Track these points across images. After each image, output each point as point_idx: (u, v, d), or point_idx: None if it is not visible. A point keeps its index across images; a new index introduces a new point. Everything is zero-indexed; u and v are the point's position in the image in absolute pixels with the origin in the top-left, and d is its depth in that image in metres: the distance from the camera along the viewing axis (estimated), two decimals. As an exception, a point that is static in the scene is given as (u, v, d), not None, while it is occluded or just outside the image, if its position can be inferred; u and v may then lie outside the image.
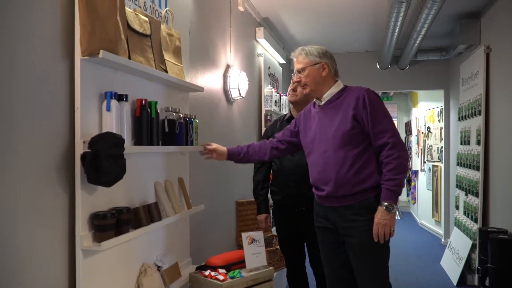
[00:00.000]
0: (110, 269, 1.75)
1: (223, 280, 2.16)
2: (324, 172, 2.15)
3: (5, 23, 1.31)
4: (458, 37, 4.53)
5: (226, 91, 3.34)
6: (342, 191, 2.10)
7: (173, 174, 2.32)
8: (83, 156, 1.50)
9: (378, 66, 5.95)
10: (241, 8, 3.58)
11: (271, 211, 3.02)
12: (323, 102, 2.22)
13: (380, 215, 2.03)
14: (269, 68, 4.70)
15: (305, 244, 2.85)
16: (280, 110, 4.76)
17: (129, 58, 1.77)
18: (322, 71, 2.19)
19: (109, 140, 1.53)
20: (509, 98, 3.57)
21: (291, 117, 2.79)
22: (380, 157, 2.09)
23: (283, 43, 5.53)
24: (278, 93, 4.73)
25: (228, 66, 3.39)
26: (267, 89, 4.43)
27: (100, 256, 1.66)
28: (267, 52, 4.67)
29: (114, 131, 1.64)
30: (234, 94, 3.40)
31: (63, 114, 1.55)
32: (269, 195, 2.92)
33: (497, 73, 3.90)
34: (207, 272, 2.24)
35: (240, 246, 3.53)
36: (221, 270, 2.24)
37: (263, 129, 4.32)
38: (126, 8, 1.78)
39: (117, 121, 1.68)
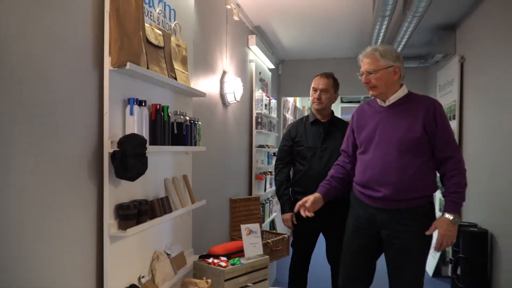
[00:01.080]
0: (130, 254, 1.98)
1: (225, 267, 2.40)
2: (383, 174, 2.16)
3: (48, 38, 1.53)
4: (436, 47, 4.88)
5: (222, 96, 3.59)
6: (401, 196, 2.12)
7: (179, 171, 2.56)
8: (113, 155, 1.73)
9: (361, 72, 6.26)
10: (235, 18, 3.82)
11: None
12: (387, 104, 2.24)
13: (446, 226, 2.08)
14: (260, 73, 4.96)
15: (315, 241, 3.07)
16: (269, 113, 5.02)
17: (147, 68, 2.01)
18: (394, 75, 2.19)
19: (135, 141, 1.76)
20: (481, 105, 3.91)
21: (315, 121, 2.96)
22: (443, 169, 2.15)
23: (272, 49, 5.80)
24: (268, 97, 5.00)
25: (224, 72, 3.64)
26: (258, 93, 4.69)
27: (122, 242, 1.89)
28: (258, 58, 4.93)
29: (136, 133, 1.87)
30: (230, 98, 3.65)
31: (94, 118, 1.77)
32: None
33: (470, 82, 4.24)
34: (210, 260, 2.48)
35: (233, 240, 3.78)
36: (222, 258, 2.49)
37: (254, 131, 4.58)
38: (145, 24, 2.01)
39: (138, 124, 1.91)
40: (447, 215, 2.10)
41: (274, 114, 5.38)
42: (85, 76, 1.72)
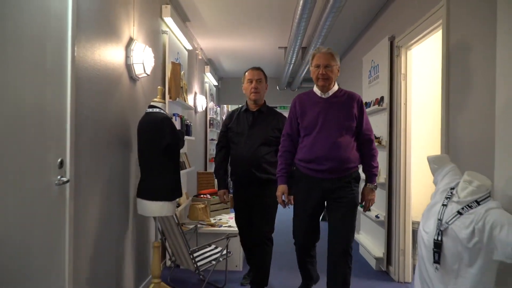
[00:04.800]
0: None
1: (209, 198, 4.68)
2: (328, 151, 2.60)
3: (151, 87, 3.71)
4: (324, 76, 7.51)
5: (195, 106, 5.82)
6: (341, 167, 2.61)
7: (183, 150, 4.76)
8: (173, 138, 3.93)
9: (278, 88, 8.80)
10: (200, 57, 6.07)
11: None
12: (327, 95, 2.71)
13: (370, 193, 2.72)
14: (210, 90, 7.23)
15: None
16: (216, 117, 7.31)
17: (180, 98, 4.21)
18: (337, 72, 2.73)
19: (182, 132, 3.97)
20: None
21: (247, 109, 3.28)
22: (365, 149, 2.70)
23: (215, 71, 8.08)
24: (216, 106, 7.28)
25: (195, 93, 5.87)
26: (210, 104, 6.96)
27: (171, 179, 4.09)
28: (209, 80, 7.19)
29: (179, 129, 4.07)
30: (199, 109, 5.89)
31: (161, 122, 3.95)
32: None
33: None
34: (201, 196, 4.74)
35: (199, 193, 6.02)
36: (208, 196, 4.76)
37: (208, 130, 6.83)
38: (177, 77, 4.22)
39: (178, 125, 4.12)
40: (369, 185, 2.74)
41: (218, 117, 7.68)
42: (159, 103, 3.89)
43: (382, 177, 4.08)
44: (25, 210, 1.76)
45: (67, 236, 2.09)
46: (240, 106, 3.44)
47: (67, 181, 2.05)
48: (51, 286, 1.98)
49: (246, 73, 3.28)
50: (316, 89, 2.78)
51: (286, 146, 2.88)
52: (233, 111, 3.42)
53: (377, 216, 4.09)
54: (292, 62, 6.41)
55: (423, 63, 3.80)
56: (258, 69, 3.30)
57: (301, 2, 3.87)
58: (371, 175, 2.76)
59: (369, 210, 3.22)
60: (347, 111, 2.67)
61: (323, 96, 2.73)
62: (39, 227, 1.87)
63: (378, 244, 4.23)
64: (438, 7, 2.87)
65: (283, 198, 2.86)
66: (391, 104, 3.95)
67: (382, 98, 4.10)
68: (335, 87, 2.77)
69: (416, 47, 3.68)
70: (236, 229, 3.64)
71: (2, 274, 1.62)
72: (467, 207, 1.86)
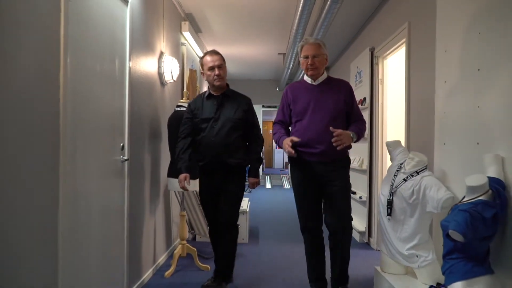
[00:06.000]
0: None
1: (220, 184, 5.48)
2: (320, 135, 2.73)
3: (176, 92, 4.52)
4: (319, 78, 8.33)
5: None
6: (333, 150, 2.70)
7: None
8: (191, 132, 4.75)
9: (277, 89, 9.61)
10: (208, 62, 6.88)
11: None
12: (317, 83, 2.85)
13: (346, 133, 2.70)
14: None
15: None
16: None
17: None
18: (325, 61, 2.87)
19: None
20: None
21: (210, 95, 3.14)
22: (355, 123, 2.87)
23: (220, 73, 8.89)
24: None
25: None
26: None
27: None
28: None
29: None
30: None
31: (181, 118, 4.76)
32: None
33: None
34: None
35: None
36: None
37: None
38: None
39: (194, 121, 4.93)
40: (351, 131, 2.78)
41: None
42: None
43: (364, 165, 4.89)
44: (104, 176, 2.57)
45: (126, 197, 2.91)
46: (202, 92, 3.36)
47: (127, 159, 2.86)
48: (115, 226, 2.80)
49: (204, 60, 3.13)
50: (306, 78, 2.92)
51: (279, 129, 2.97)
52: (196, 98, 3.32)
53: (360, 197, 4.90)
54: (290, 66, 7.23)
55: (397, 70, 4.60)
56: (217, 53, 3.15)
57: (297, 18, 4.68)
58: (355, 128, 2.81)
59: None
60: (337, 97, 2.82)
61: (314, 83, 2.88)
62: (111, 189, 2.68)
63: (362, 220, 5.05)
64: (402, 28, 3.69)
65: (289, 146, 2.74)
66: (372, 104, 4.76)
67: (364, 98, 4.90)
68: (325, 75, 2.92)
69: (390, 57, 4.48)
70: (243, 206, 4.41)
71: (91, 217, 2.43)
72: (410, 175, 2.67)
